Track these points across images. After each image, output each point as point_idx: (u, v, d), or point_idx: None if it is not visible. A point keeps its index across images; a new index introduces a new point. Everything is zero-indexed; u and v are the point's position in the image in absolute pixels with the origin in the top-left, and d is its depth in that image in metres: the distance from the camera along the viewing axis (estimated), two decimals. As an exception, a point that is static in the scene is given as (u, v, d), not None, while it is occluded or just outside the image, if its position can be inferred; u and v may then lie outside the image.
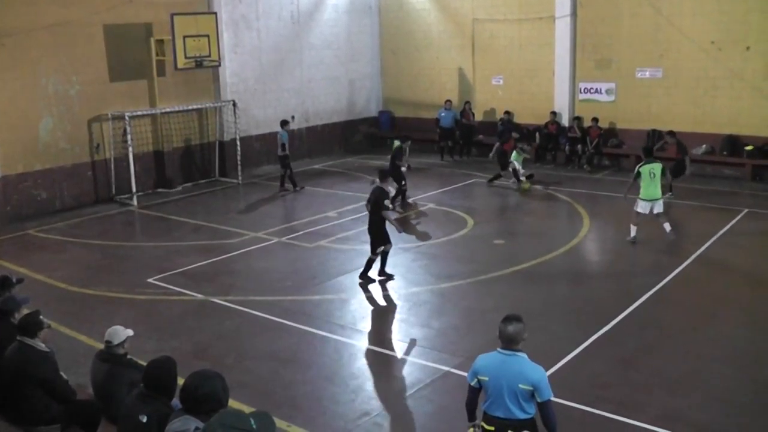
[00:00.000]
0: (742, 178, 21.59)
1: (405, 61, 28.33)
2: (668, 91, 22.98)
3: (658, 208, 15.34)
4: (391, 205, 13.23)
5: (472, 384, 6.38)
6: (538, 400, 6.08)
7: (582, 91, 24.55)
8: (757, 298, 12.57)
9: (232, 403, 5.54)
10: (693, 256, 14.56)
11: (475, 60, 26.60)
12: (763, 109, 21.43)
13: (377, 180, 13.86)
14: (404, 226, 16.76)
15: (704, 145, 22.18)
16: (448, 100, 25.90)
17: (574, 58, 24.46)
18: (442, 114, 25.55)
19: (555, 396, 8.74)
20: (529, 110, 25.14)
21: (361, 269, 13.42)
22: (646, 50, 23.16)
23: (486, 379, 6.26)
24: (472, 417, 6.53)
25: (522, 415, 6.17)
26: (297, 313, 11.90)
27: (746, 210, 17.99)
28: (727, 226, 16.62)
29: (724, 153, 21.93)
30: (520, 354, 6.21)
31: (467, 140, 26.09)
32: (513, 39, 25.59)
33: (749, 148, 21.46)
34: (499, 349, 6.27)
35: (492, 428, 6.27)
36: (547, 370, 9.39)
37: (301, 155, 25.32)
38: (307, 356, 10.40)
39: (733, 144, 21.85)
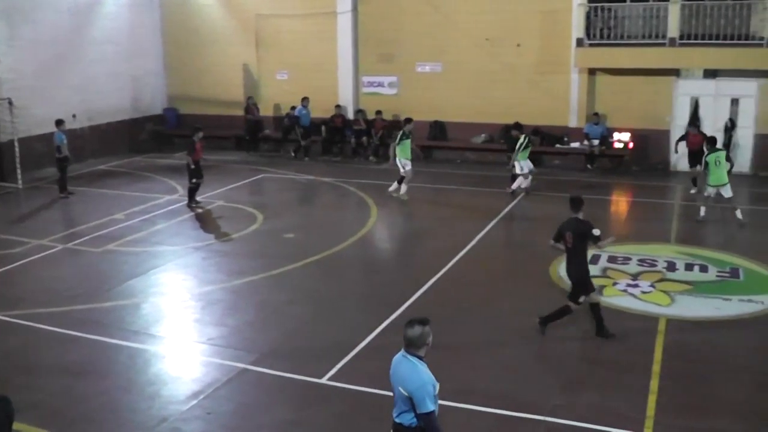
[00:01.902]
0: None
1: (189, 57, 28.02)
2: (448, 84, 24.25)
3: (726, 192, 16.51)
4: (597, 232, 10.44)
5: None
6: (416, 411, 5.98)
7: (365, 84, 25.39)
8: (539, 271, 13.63)
9: (23, 427, 5.40)
10: (477, 238, 15.60)
11: (259, 55, 26.78)
12: (535, 100, 23.21)
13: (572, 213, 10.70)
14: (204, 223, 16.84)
15: (483, 134, 23.68)
16: (306, 98, 25.08)
17: (357, 52, 25.23)
18: (303, 112, 24.89)
19: (355, 384, 9.33)
20: (315, 104, 25.62)
21: (549, 314, 10.95)
22: (426, 45, 24.31)
23: (390, 374, 6.26)
24: None
25: (404, 421, 6.14)
26: (88, 323, 11.63)
27: (523, 192, 19.50)
28: (507, 208, 17.93)
29: (502, 141, 23.36)
30: (412, 358, 6.09)
31: (254, 136, 26.20)
32: (297, 34, 25.98)
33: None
34: (402, 349, 6.20)
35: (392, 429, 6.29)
36: (342, 359, 9.97)
37: (85, 156, 24.41)
38: (101, 367, 10.23)
39: (509, 132, 23.28)
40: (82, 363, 10.33)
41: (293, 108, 25.32)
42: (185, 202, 19.00)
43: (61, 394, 9.47)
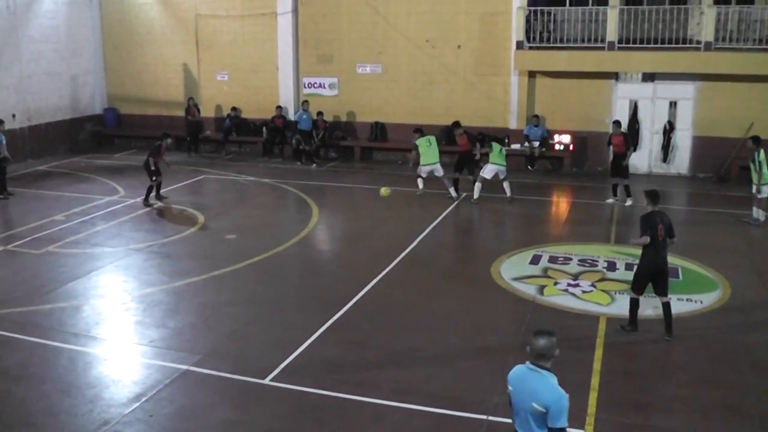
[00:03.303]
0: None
1: (128, 57, 27.81)
2: (388, 85, 24.48)
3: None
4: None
5: (507, 392, 6.08)
6: (548, 425, 5.71)
7: (306, 85, 25.49)
8: (480, 271, 13.92)
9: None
10: (418, 239, 15.88)
11: (199, 55, 26.69)
12: (475, 101, 23.59)
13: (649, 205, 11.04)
14: (144, 224, 16.77)
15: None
16: (306, 101, 24.51)
17: (297, 53, 25.29)
18: (303, 116, 24.08)
19: (294, 384, 9.41)
20: (255, 105, 25.72)
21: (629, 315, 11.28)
22: (365, 47, 24.50)
23: (511, 389, 5.98)
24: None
25: None
26: (27, 325, 11.55)
27: (464, 194, 19.62)
28: (448, 210, 18.17)
29: (443, 142, 23.62)
30: (543, 371, 5.82)
31: (194, 137, 26.11)
32: (237, 34, 25.97)
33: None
34: (528, 361, 5.92)
35: None
36: (284, 359, 10.10)
37: (24, 156, 24.09)
38: (40, 370, 10.15)
39: (450, 134, 23.55)
40: (21, 366, 10.25)
41: (234, 109, 25.28)
42: (129, 202, 18.94)
43: (0, 398, 9.42)
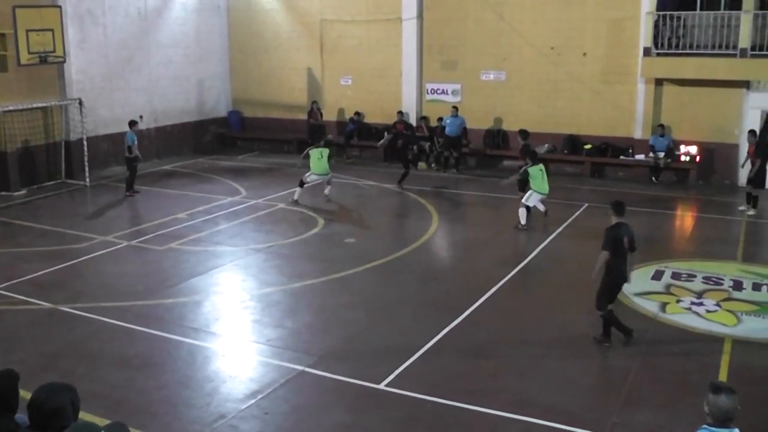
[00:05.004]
0: (582, 174, 23.00)
1: (254, 61, 28.30)
2: (512, 92, 24.08)
3: None
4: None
5: None
6: None
7: (429, 91, 25.34)
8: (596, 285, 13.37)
9: (85, 415, 5.49)
10: (538, 249, 15.43)
11: (323, 60, 26.90)
12: (600, 110, 22.90)
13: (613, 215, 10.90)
14: (265, 225, 16.95)
15: (547, 144, 23.37)
16: (455, 106, 24.00)
17: (421, 59, 25.20)
18: (448, 121, 23.64)
19: (409, 390, 9.24)
20: (378, 110, 25.69)
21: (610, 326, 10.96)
22: (490, 53, 24.17)
23: None
24: None
25: None
26: (149, 318, 11.82)
27: (586, 204, 19.20)
28: (570, 220, 17.66)
29: (565, 151, 23.26)
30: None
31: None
32: (361, 39, 26.05)
33: (588, 146, 23.03)
34: (708, 426, 5.26)
35: None
36: (400, 365, 9.95)
37: (150, 156, 24.77)
38: (161, 361, 10.36)
39: (573, 143, 23.24)
40: (143, 357, 10.49)
41: (357, 114, 25.41)
42: (251, 202, 19.29)
43: (122, 386, 9.63)
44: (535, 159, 17.16)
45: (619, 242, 10.48)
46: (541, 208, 17.20)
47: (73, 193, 21.37)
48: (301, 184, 19.50)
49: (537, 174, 16.85)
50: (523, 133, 19.25)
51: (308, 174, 19.58)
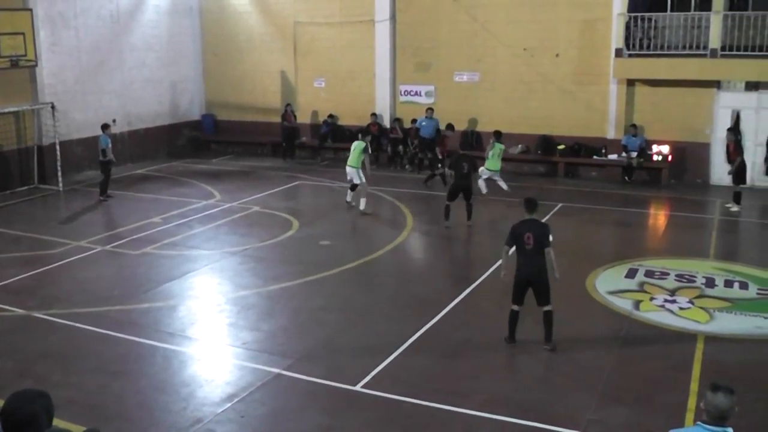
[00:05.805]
0: (556, 175, 23.16)
1: (227, 64, 28.24)
2: (485, 93, 24.20)
3: None
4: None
5: None
6: None
7: (402, 93, 25.40)
8: (576, 280, 13.47)
9: (60, 422, 5.45)
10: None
11: (297, 62, 26.91)
12: (573, 111, 23.09)
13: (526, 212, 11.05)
14: (239, 228, 16.90)
15: (520, 145, 23.57)
16: (430, 108, 24.10)
17: (395, 61, 25.26)
18: (423, 123, 23.62)
19: (385, 391, 9.29)
20: (351, 112, 25.73)
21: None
22: (463, 55, 24.28)
23: None
24: None
25: None
26: (125, 324, 11.77)
27: (560, 204, 19.32)
28: (544, 220, 17.68)
29: (539, 152, 23.40)
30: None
31: (290, 142, 26.32)
32: (334, 42, 26.08)
33: (561, 147, 23.21)
34: (702, 423, 5.28)
35: None
36: (376, 366, 9.99)
37: (123, 160, 24.61)
38: (137, 367, 10.32)
39: (546, 143, 23.40)
40: (119, 362, 10.45)
41: (330, 116, 25.43)
42: (225, 206, 19.25)
43: (98, 392, 9.59)
44: (499, 138, 20.21)
45: (519, 238, 10.58)
46: (504, 186, 19.82)
47: (47, 198, 21.19)
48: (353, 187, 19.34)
49: (496, 152, 19.84)
50: (497, 135, 20.17)
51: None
